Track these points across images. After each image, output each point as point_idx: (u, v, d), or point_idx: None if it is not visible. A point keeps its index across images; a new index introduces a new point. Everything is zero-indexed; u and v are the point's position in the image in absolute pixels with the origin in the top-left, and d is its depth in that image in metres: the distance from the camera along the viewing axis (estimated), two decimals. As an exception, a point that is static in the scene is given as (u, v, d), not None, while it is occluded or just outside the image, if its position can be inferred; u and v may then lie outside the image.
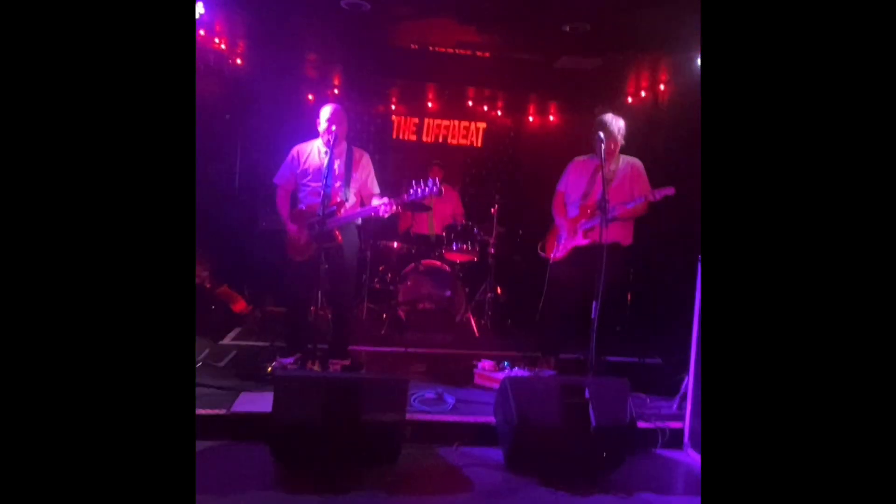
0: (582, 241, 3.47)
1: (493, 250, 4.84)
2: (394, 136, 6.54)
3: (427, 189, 3.08)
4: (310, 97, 6.08)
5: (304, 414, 2.37)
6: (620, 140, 3.43)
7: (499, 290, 5.09)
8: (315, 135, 3.37)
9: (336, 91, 6.07)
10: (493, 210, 4.86)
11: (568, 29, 3.76)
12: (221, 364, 3.47)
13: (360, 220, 3.48)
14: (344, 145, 3.39)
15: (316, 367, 3.26)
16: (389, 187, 6.52)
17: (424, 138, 6.57)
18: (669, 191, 3.22)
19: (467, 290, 4.76)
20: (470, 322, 4.59)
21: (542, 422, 2.51)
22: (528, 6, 3.51)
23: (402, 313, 4.45)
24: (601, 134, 3.30)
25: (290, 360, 3.34)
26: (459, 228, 4.72)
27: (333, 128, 3.23)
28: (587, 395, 2.58)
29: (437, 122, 6.56)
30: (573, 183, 3.59)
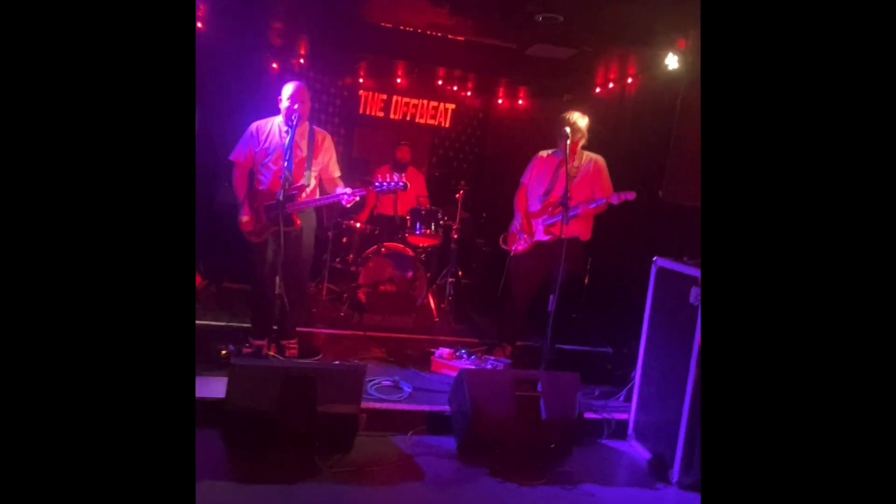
0: (543, 236, 3.52)
1: (456, 235, 4.86)
2: (361, 112, 6.41)
3: (392, 184, 3.08)
4: (274, 66, 5.86)
5: (258, 402, 2.36)
6: (584, 138, 3.47)
7: (460, 274, 5.13)
8: (275, 110, 3.27)
9: (302, 61, 5.87)
10: (458, 196, 4.86)
11: (541, 19, 3.74)
12: (174, 344, 3.39)
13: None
14: (306, 125, 3.30)
15: (272, 351, 3.24)
16: (355, 163, 6.44)
17: (392, 115, 6.46)
18: (630, 195, 3.28)
19: (429, 274, 4.78)
20: (430, 306, 4.63)
21: (495, 413, 2.59)
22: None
23: (362, 295, 4.44)
24: (566, 130, 3.33)
25: (262, 342, 3.29)
26: (424, 213, 4.71)
27: (296, 106, 3.14)
28: (539, 388, 2.67)
29: (406, 100, 6.45)
30: (536, 178, 3.63)
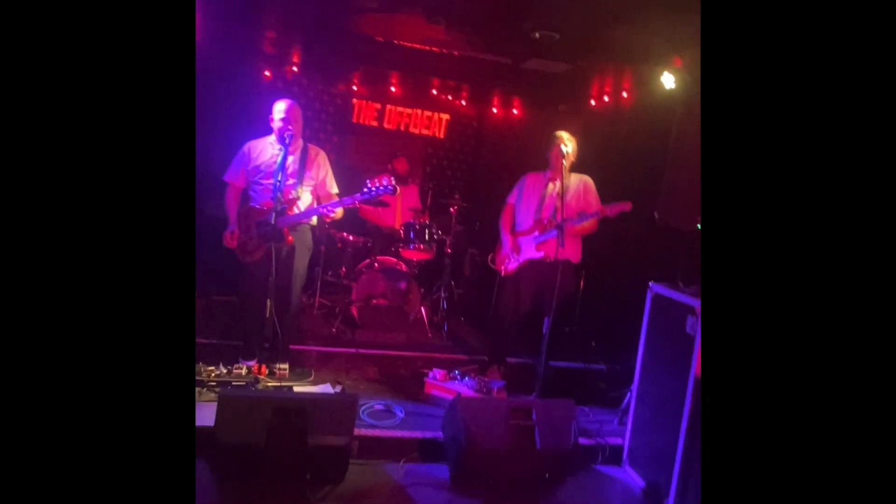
0: (535, 254, 3.49)
1: (449, 249, 4.82)
2: (354, 120, 6.35)
3: (382, 189, 3.02)
4: (266, 74, 5.80)
5: (247, 433, 2.31)
6: (572, 158, 3.44)
7: (452, 284, 5.09)
8: (266, 121, 3.22)
9: (295, 69, 5.80)
10: (452, 210, 4.82)
11: (538, 36, 3.71)
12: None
13: (314, 220, 3.37)
14: (299, 142, 3.25)
15: (263, 372, 3.19)
16: (347, 172, 6.36)
17: (386, 125, 6.41)
18: (626, 206, 3.22)
19: (422, 289, 4.73)
20: (423, 321, 4.58)
21: (489, 443, 2.55)
22: (497, 12, 3.43)
23: (354, 311, 4.39)
24: (556, 151, 3.33)
25: (252, 362, 3.24)
26: (418, 227, 4.67)
27: (290, 126, 3.09)
28: (534, 417, 2.64)
29: (400, 109, 6.40)
30: (525, 197, 3.59)
